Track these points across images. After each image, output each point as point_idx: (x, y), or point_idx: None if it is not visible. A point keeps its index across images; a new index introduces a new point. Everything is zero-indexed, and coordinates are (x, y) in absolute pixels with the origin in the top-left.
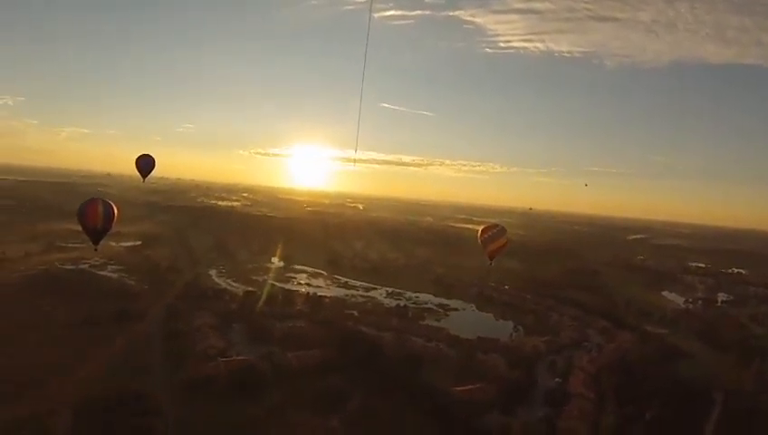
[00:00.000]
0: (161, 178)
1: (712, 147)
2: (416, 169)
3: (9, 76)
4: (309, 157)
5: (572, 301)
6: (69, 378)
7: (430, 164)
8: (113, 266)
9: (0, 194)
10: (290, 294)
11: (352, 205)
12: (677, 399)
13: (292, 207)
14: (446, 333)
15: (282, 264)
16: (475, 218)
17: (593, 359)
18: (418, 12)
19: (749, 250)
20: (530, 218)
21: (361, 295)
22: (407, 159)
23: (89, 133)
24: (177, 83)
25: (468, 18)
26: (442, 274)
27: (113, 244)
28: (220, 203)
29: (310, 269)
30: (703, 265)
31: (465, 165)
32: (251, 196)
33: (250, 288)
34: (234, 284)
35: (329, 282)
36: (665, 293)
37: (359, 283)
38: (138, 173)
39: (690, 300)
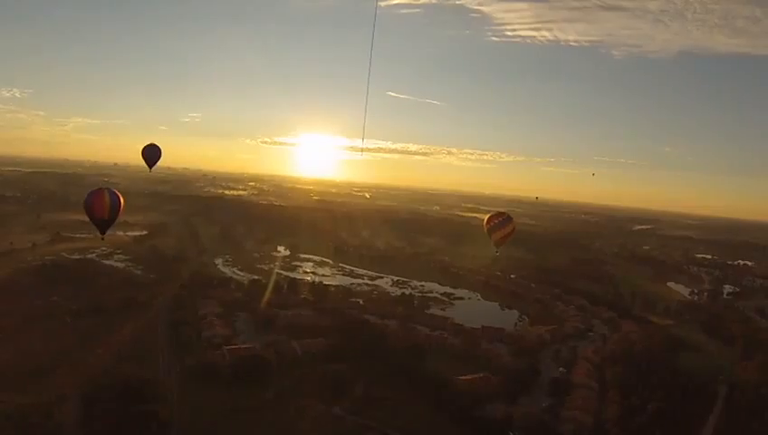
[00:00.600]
0: (168, 167)
1: (720, 137)
2: (423, 157)
3: (15, 68)
4: (316, 146)
5: (578, 291)
6: (76, 366)
7: (437, 153)
8: (120, 256)
9: (7, 186)
10: (295, 283)
11: (359, 194)
12: (681, 390)
13: (299, 196)
14: (450, 322)
15: (288, 253)
16: (481, 207)
17: (598, 349)
18: (425, 0)
19: (757, 242)
20: (537, 208)
21: (367, 284)
22: (414, 147)
23: (95, 124)
24: (183, 73)
25: (475, 7)
26: (448, 263)
27: (120, 233)
28: (227, 192)
29: (316, 258)
30: (709, 257)
31: (472, 154)
32: (258, 185)
33: (256, 277)
34: (239, 273)
35: (335, 270)
36: (670, 284)
37: (364, 271)
38: (144, 163)
39: (696, 291)
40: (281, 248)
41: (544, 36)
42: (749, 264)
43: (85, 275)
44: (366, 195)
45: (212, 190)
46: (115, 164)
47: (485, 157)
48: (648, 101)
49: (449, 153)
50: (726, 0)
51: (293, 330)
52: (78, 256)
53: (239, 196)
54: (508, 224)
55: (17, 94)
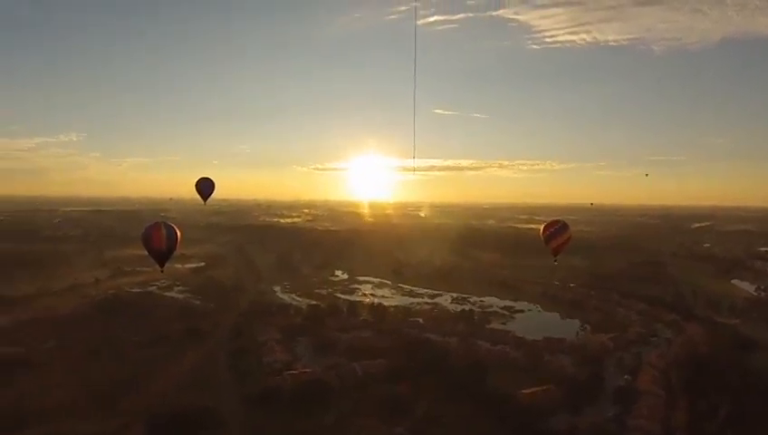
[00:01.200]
0: (223, 199)
1: None
2: (474, 172)
3: (72, 115)
4: (367, 168)
5: (638, 295)
6: (138, 394)
7: (488, 166)
8: (179, 287)
9: (70, 225)
10: (354, 306)
11: (414, 213)
12: (752, 392)
13: (354, 219)
14: (511, 336)
15: (346, 276)
16: (536, 218)
17: (662, 354)
18: (461, 15)
19: None
20: (592, 214)
21: (426, 302)
22: (465, 163)
23: (149, 162)
24: (230, 107)
25: (512, 16)
26: (506, 275)
27: (178, 266)
28: (282, 220)
29: (374, 279)
30: None
31: (522, 165)
32: (312, 211)
33: (314, 302)
34: (298, 298)
35: (393, 291)
36: (734, 281)
37: (423, 290)
38: (199, 196)
39: (762, 287)
40: (338, 272)
41: (583, 39)
42: None
43: (146, 307)
44: (420, 214)
45: (267, 219)
46: (171, 199)
47: (537, 166)
48: (694, 93)
49: (501, 166)
50: None
51: (354, 352)
52: (138, 290)
53: (294, 223)
54: (564, 231)
55: (74, 138)
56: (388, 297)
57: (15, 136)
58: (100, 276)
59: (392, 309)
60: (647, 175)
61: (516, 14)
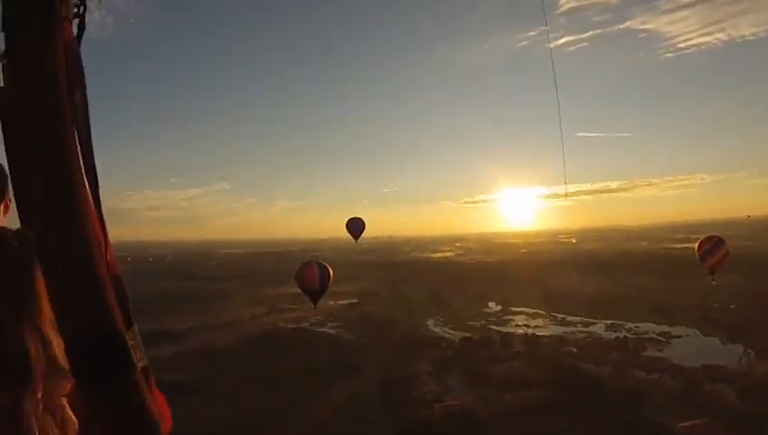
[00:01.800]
0: (374, 237)
1: None
2: (624, 194)
3: (226, 165)
4: (517, 198)
5: None
6: (290, 424)
7: (638, 186)
8: (332, 323)
9: (228, 266)
10: (507, 337)
11: (565, 240)
12: None
13: (506, 250)
14: (668, 363)
15: (499, 307)
16: (691, 236)
17: None
18: (589, 33)
19: None
20: (749, 227)
21: (580, 331)
22: (614, 184)
23: (300, 205)
24: (376, 148)
25: (640, 27)
26: (662, 299)
27: (331, 303)
28: (433, 255)
29: (527, 310)
30: None
31: (672, 181)
32: (463, 244)
33: (467, 334)
34: (450, 331)
35: (546, 320)
36: None
37: (577, 318)
38: (350, 236)
39: None
40: (491, 304)
41: (718, 39)
42: None
43: (299, 341)
44: (572, 240)
45: (418, 254)
46: (322, 240)
47: (686, 181)
48: None
49: (650, 184)
50: None
51: (505, 383)
52: (293, 325)
53: (446, 257)
54: (721, 247)
55: (226, 186)
56: (541, 327)
57: (176, 188)
58: (256, 313)
59: (545, 339)
60: None
61: (644, 23)
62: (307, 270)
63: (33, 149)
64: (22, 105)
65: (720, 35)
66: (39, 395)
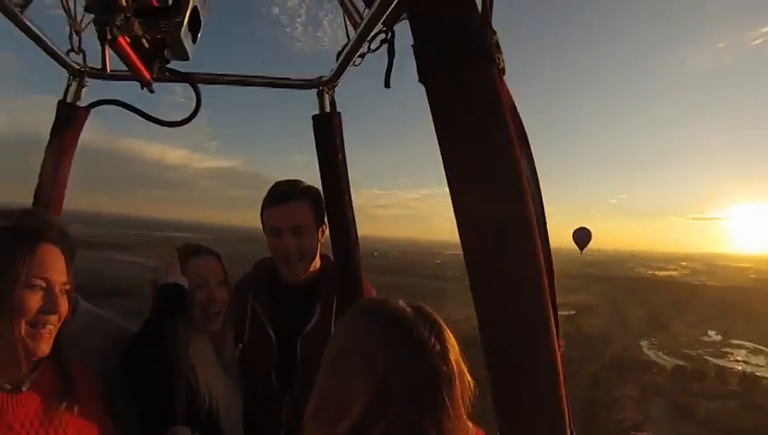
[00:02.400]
0: (598, 249)
1: None
2: None
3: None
4: (750, 216)
5: None
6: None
7: None
8: None
9: (451, 266)
10: (723, 371)
11: None
12: None
13: (734, 275)
14: None
15: (718, 338)
16: None
17: None
18: None
19: None
20: None
21: None
22: None
23: None
24: (608, 157)
25: None
26: None
27: None
28: (657, 273)
29: (749, 344)
30: None
31: None
32: (689, 264)
33: (680, 362)
34: (664, 357)
35: None
36: None
37: None
38: (575, 246)
39: None
40: (711, 333)
41: None
42: None
43: None
44: None
45: (641, 271)
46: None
47: None
48: None
49: None
50: None
51: (713, 423)
52: None
53: (670, 276)
54: None
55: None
56: (763, 367)
57: (405, 187)
58: (471, 314)
59: (765, 381)
60: None
61: None
62: None
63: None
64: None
65: None
66: None
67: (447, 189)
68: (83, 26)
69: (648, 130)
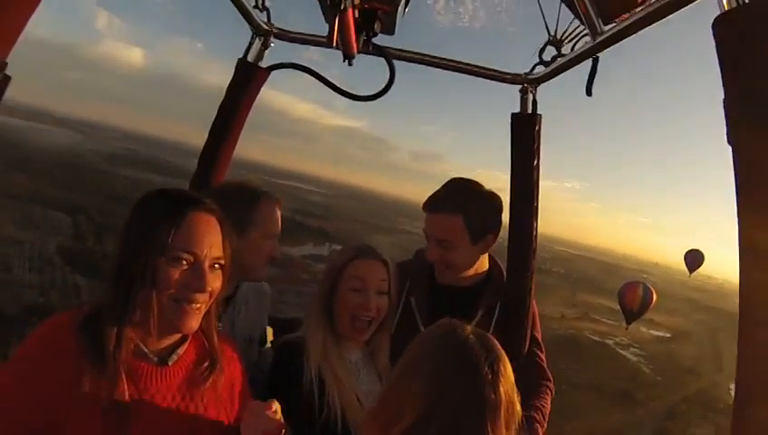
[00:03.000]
0: (708, 276)
1: None
2: None
3: (574, 164)
4: None
5: None
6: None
7: None
8: (635, 349)
9: (556, 262)
10: None
11: None
12: None
13: None
14: None
15: None
16: None
17: None
18: None
19: None
20: None
21: None
22: None
23: (644, 222)
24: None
25: None
26: None
27: (643, 329)
28: None
29: None
30: None
31: None
32: None
33: None
34: None
35: None
36: None
37: None
38: (685, 267)
39: None
40: None
41: None
42: None
43: (596, 355)
44: None
45: None
46: (656, 263)
47: None
48: None
49: None
50: None
51: None
52: (596, 338)
53: None
54: None
55: (577, 186)
56: None
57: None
58: (567, 314)
59: None
60: None
61: None
62: (631, 288)
63: None
64: None
65: None
66: None
67: (569, 186)
68: None
69: None
